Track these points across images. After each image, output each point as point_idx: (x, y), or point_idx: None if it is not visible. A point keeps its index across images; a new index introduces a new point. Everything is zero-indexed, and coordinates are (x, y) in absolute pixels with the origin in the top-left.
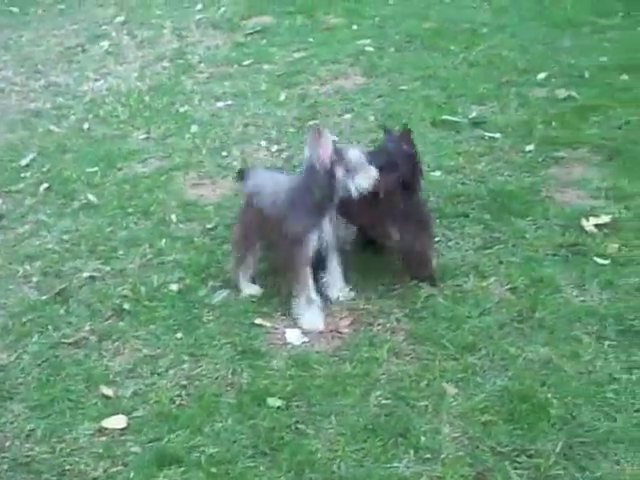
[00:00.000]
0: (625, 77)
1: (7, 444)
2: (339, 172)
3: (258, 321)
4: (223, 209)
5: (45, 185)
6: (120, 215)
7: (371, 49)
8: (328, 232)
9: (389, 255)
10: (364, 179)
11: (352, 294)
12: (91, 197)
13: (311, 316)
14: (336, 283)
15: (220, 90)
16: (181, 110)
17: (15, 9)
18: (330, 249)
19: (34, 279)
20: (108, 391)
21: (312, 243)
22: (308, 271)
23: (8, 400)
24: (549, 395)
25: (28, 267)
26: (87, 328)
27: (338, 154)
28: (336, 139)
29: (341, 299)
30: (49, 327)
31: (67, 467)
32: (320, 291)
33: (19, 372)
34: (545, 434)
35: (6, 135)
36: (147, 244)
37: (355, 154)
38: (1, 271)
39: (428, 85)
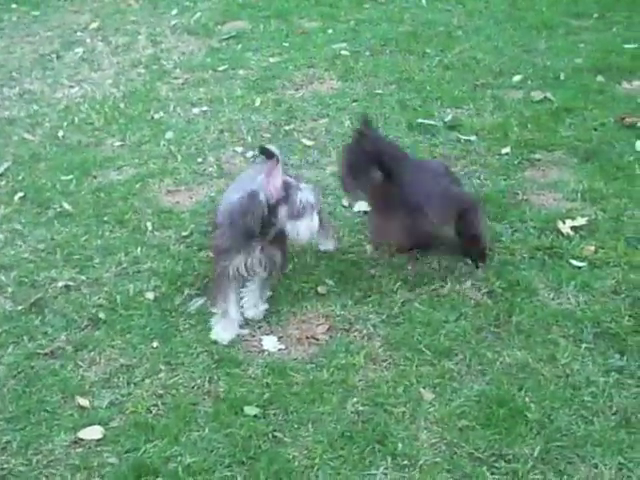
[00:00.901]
0: (600, 78)
1: None
2: (282, 212)
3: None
4: (199, 216)
5: (20, 194)
6: (95, 223)
7: (346, 53)
8: (257, 258)
9: (364, 261)
10: (305, 228)
11: (264, 309)
12: (66, 205)
13: (221, 328)
14: (252, 301)
15: (195, 96)
16: (156, 117)
17: None
18: (257, 274)
19: (9, 289)
20: (84, 401)
21: (235, 264)
22: (228, 287)
23: None
24: (526, 399)
25: (3, 277)
26: (63, 338)
27: (288, 192)
28: (291, 176)
29: (252, 316)
30: (24, 337)
31: (43, 479)
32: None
33: None
34: (523, 438)
35: None
36: (122, 252)
37: (305, 197)
38: None
39: (403, 89)
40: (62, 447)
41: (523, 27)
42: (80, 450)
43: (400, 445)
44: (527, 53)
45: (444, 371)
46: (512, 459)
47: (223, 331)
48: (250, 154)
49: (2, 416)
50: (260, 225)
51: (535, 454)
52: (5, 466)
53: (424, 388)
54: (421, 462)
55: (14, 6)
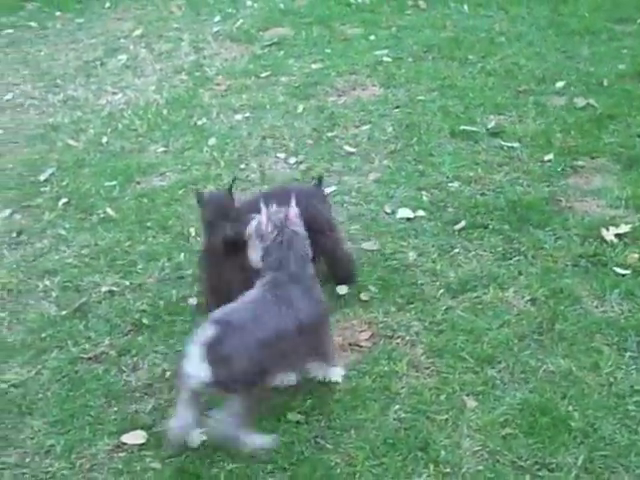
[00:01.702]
0: None
1: (27, 460)
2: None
3: None
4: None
5: (64, 200)
6: (138, 229)
7: (388, 59)
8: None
9: (406, 268)
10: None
11: None
12: (110, 211)
13: None
14: None
15: (238, 102)
16: (199, 123)
17: (33, 23)
18: None
19: (53, 294)
20: (128, 406)
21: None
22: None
23: (28, 416)
24: (570, 408)
25: (47, 282)
26: (106, 343)
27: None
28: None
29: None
30: (68, 342)
31: None
32: None
33: (38, 387)
34: (566, 447)
35: (25, 150)
36: (165, 258)
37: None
38: (20, 286)
39: (446, 95)
40: (105, 451)
41: (565, 33)
42: (123, 455)
43: (442, 453)
44: (570, 59)
45: (487, 379)
46: (555, 468)
47: None
48: (293, 160)
49: (46, 420)
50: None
51: (578, 463)
52: (49, 469)
53: (467, 396)
54: (463, 470)
55: (58, 13)
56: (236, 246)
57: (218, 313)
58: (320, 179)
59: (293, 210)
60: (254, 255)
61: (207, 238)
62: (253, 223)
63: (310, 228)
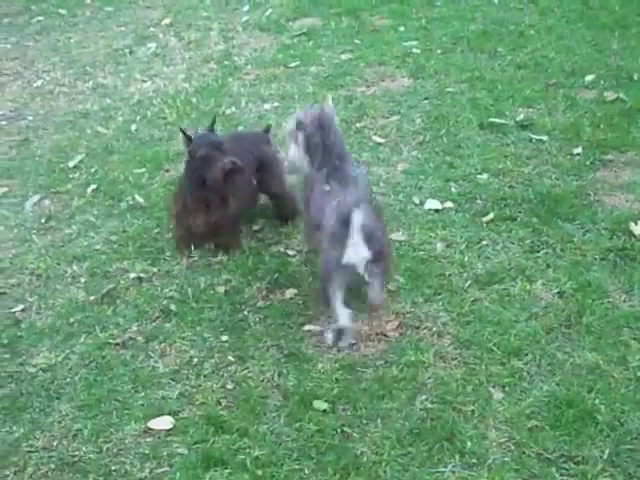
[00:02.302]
0: None
1: (54, 444)
2: None
3: (306, 327)
4: (269, 210)
5: (93, 186)
6: (167, 216)
7: (418, 51)
8: None
9: (434, 258)
10: None
11: None
12: (138, 198)
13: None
14: None
15: (267, 92)
16: (228, 112)
17: (63, 11)
18: None
19: (82, 280)
20: (155, 392)
21: None
22: None
23: (55, 400)
24: (596, 401)
25: (76, 268)
26: (134, 329)
27: None
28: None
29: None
30: (96, 327)
31: (113, 467)
32: None
33: (66, 372)
34: (592, 440)
35: (54, 136)
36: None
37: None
38: (49, 272)
39: (475, 87)
40: (132, 436)
41: (596, 26)
42: (150, 440)
43: (469, 443)
44: (600, 53)
45: (514, 371)
46: (581, 461)
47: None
48: None
49: (74, 404)
50: None
51: (605, 456)
52: (76, 453)
53: (493, 387)
54: (489, 461)
55: (88, 1)
56: (234, 175)
57: (345, 202)
58: (269, 127)
59: (327, 105)
60: (294, 152)
61: (194, 173)
62: (290, 122)
63: (258, 167)
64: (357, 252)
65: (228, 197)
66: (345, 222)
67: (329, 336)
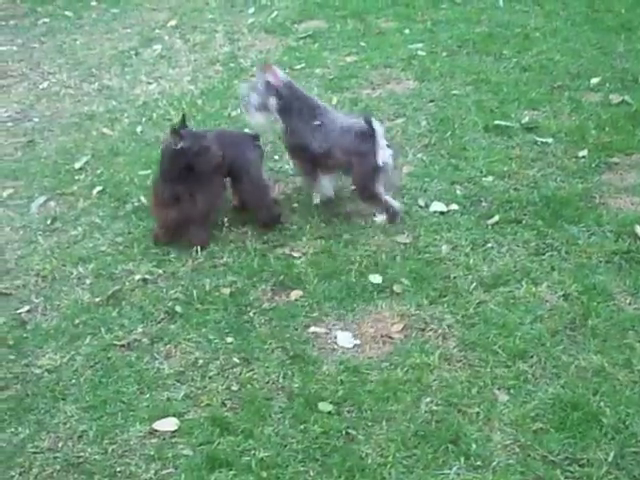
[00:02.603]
0: None
1: (60, 445)
2: None
3: (311, 328)
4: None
5: (98, 188)
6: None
7: (423, 53)
8: None
9: (439, 261)
10: None
11: None
12: (144, 200)
13: None
14: None
15: None
16: (233, 114)
17: (69, 13)
18: None
19: (87, 281)
20: (160, 394)
21: None
22: None
23: (61, 401)
24: (601, 404)
25: (81, 269)
26: (139, 330)
27: None
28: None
29: None
30: (102, 329)
31: (118, 469)
32: None
33: (72, 373)
34: (597, 443)
35: (60, 138)
36: (199, 247)
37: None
38: (55, 273)
39: (480, 90)
40: (137, 437)
41: (601, 29)
42: (155, 441)
43: (474, 446)
44: (605, 55)
45: (519, 373)
46: (586, 463)
47: None
48: None
49: (79, 405)
50: None
51: (609, 459)
52: (81, 454)
53: (498, 389)
54: (494, 463)
55: (94, 3)
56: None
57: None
58: (257, 136)
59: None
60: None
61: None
62: (246, 89)
63: (235, 171)
64: (385, 152)
65: (197, 193)
66: (369, 133)
67: (382, 217)
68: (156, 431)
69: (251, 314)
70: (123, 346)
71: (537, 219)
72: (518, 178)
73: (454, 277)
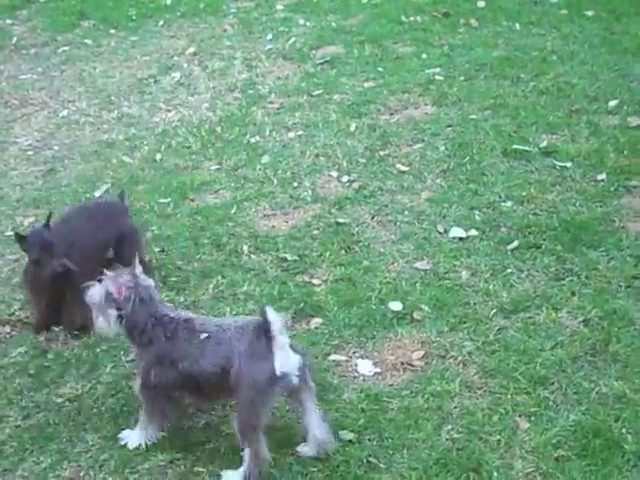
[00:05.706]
0: None
1: (81, 474)
2: None
3: (331, 356)
4: (294, 240)
5: None
6: (192, 246)
7: (440, 78)
8: None
9: (459, 287)
10: None
11: None
12: (164, 228)
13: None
14: None
15: (291, 121)
16: (252, 141)
17: (88, 41)
18: None
19: None
20: (180, 423)
21: None
22: None
23: (82, 430)
24: (623, 430)
25: None
26: None
27: None
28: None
29: None
30: (122, 358)
31: None
32: None
33: (93, 402)
34: (619, 470)
35: (80, 166)
36: (219, 275)
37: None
38: None
39: (498, 114)
40: (159, 466)
41: (618, 51)
42: (177, 469)
43: (495, 474)
44: (623, 78)
45: (540, 400)
46: None
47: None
48: (345, 179)
49: (100, 434)
50: None
51: None
52: None
53: (519, 417)
54: None
55: (113, 31)
56: (64, 278)
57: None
58: (122, 193)
59: (137, 269)
60: (104, 322)
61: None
62: (94, 292)
63: (116, 242)
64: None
65: (65, 292)
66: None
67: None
68: (178, 460)
69: None
70: None
71: (557, 244)
72: (537, 203)
73: (474, 303)
